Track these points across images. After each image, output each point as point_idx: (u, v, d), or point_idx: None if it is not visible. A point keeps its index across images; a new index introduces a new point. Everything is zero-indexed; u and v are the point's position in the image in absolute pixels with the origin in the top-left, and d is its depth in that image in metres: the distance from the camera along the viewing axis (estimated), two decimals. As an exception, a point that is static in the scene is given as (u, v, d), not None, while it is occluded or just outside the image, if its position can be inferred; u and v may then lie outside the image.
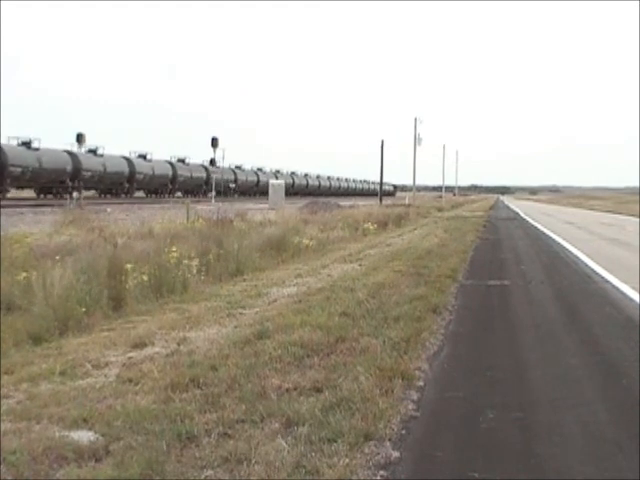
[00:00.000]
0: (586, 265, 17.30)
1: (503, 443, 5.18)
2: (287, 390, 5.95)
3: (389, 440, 5.07)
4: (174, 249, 12.47)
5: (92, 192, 60.44)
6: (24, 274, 9.62)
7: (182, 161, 74.46)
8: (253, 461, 4.52)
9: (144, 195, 68.14)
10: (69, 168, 56.04)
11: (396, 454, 4.85)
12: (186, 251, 12.98)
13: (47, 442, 4.70)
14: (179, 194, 71.83)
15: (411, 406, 5.87)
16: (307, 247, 18.59)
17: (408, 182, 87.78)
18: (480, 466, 4.72)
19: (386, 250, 19.25)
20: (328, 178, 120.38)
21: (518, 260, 18.87)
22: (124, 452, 4.60)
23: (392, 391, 6.04)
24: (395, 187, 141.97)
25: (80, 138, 61.15)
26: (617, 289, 13.01)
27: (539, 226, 37.29)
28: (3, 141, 51.98)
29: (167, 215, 22.91)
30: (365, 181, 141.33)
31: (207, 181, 75.04)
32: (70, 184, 55.26)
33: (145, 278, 10.82)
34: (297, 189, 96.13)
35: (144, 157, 67.98)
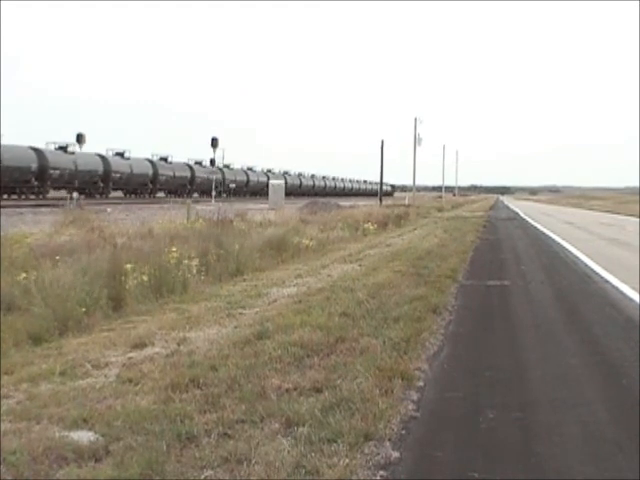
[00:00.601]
0: (586, 265, 17.31)
1: (503, 443, 5.19)
2: (287, 390, 5.95)
3: (389, 440, 5.07)
4: (174, 249, 12.47)
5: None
6: (24, 274, 9.62)
7: (164, 159, 71.35)
8: (253, 461, 4.52)
9: (122, 195, 64.70)
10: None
11: (396, 454, 4.85)
12: (186, 251, 12.98)
13: (47, 442, 4.70)
14: (161, 194, 69.05)
15: (411, 406, 5.87)
16: (307, 247, 18.59)
17: (408, 182, 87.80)
18: (480, 466, 4.72)
19: (386, 250, 19.25)
20: (328, 178, 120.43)
21: (518, 260, 18.87)
22: (124, 452, 4.60)
23: (392, 391, 6.04)
24: (393, 187, 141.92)
25: (80, 138, 61.10)
26: (617, 289, 13.01)
27: (539, 226, 37.30)
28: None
29: (167, 215, 22.92)
30: (365, 181, 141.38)
31: (192, 181, 74.04)
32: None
33: (145, 278, 10.82)
34: (297, 189, 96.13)
35: (122, 155, 65.13)
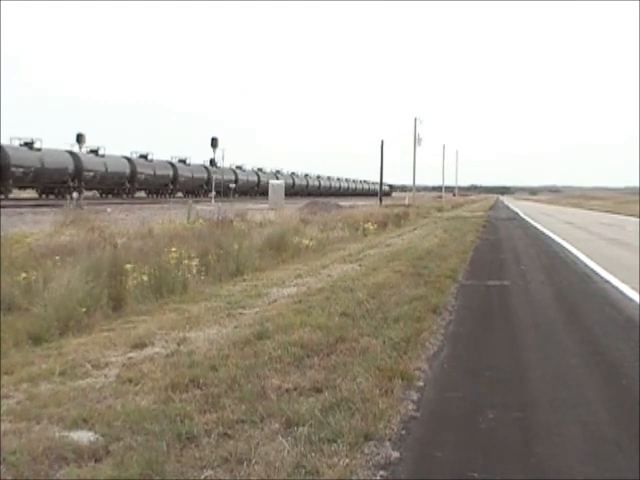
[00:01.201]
0: (586, 265, 17.31)
1: (503, 443, 5.19)
2: (287, 390, 5.95)
3: (389, 440, 5.07)
4: (174, 249, 12.47)
5: (92, 192, 60.08)
6: (24, 274, 9.62)
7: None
8: (253, 461, 4.52)
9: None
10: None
11: (396, 454, 4.85)
12: (186, 251, 12.98)
13: (47, 442, 4.70)
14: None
15: (411, 406, 5.87)
16: (307, 247, 18.59)
17: (408, 182, 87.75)
18: (480, 466, 4.72)
19: (386, 250, 19.25)
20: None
21: (518, 260, 18.87)
22: (124, 452, 4.60)
23: (392, 391, 6.04)
24: (391, 187, 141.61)
25: (80, 138, 60.95)
26: (617, 289, 13.01)
27: (539, 226, 37.30)
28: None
29: (167, 215, 22.90)
30: (365, 181, 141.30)
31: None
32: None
33: (145, 278, 10.82)
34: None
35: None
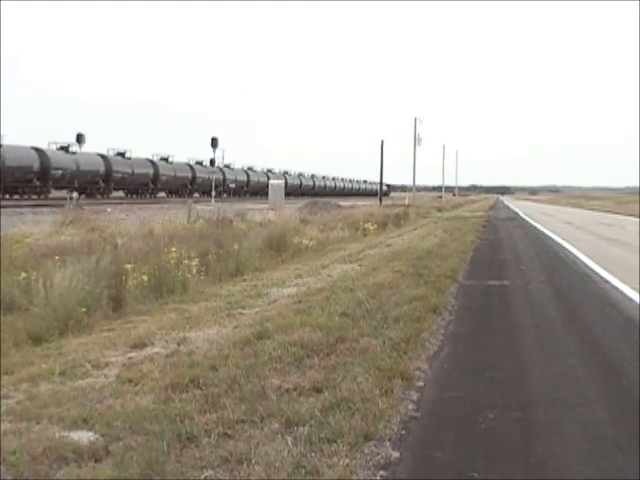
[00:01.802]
0: (586, 265, 17.30)
1: (503, 443, 5.19)
2: (287, 390, 5.95)
3: (389, 440, 5.07)
4: (174, 249, 12.47)
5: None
6: (24, 274, 9.62)
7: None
8: (253, 461, 4.52)
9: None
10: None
11: (396, 454, 4.85)
12: (186, 251, 12.98)
13: (47, 442, 4.70)
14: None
15: (411, 406, 5.87)
16: (307, 247, 18.58)
17: (408, 182, 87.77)
18: (480, 466, 4.72)
19: (386, 250, 19.25)
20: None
21: (518, 260, 18.87)
22: (124, 452, 4.60)
23: (392, 391, 6.04)
24: (389, 186, 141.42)
25: (80, 138, 60.82)
26: (617, 289, 13.01)
27: (539, 226, 37.30)
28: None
29: (167, 215, 22.90)
30: (365, 181, 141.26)
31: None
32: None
33: (145, 278, 10.82)
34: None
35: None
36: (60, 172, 53.29)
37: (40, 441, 4.71)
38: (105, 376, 6.43)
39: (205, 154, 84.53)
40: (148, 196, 64.01)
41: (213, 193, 55.57)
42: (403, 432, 5.29)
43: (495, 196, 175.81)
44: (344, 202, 51.11)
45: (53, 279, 8.98)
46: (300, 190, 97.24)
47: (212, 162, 70.13)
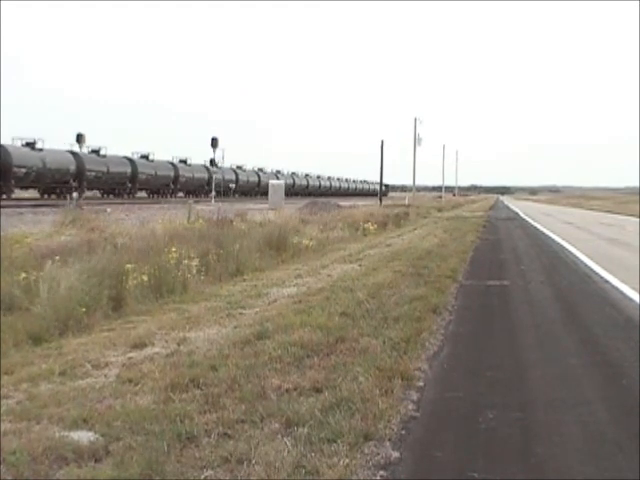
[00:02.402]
0: (585, 265, 17.31)
1: (503, 443, 5.19)
2: (287, 390, 5.95)
3: (389, 440, 5.07)
4: (174, 249, 12.47)
5: (92, 192, 59.73)
6: (24, 274, 9.62)
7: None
8: (253, 461, 4.52)
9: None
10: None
11: (396, 454, 4.85)
12: (186, 251, 12.98)
13: (47, 442, 4.70)
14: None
15: (411, 406, 5.87)
16: (307, 247, 18.59)
17: (408, 182, 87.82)
18: (480, 466, 4.72)
19: (386, 250, 19.25)
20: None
21: (518, 260, 18.87)
22: (124, 452, 4.60)
23: (392, 391, 6.04)
24: (387, 186, 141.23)
25: (80, 138, 60.81)
26: (617, 289, 13.01)
27: (539, 226, 37.30)
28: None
29: (167, 215, 22.90)
30: (365, 181, 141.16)
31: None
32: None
33: (145, 278, 10.82)
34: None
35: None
36: (23, 170, 49.26)
37: (40, 441, 4.71)
38: (105, 376, 6.43)
39: (205, 154, 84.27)
40: (126, 196, 62.14)
41: (213, 193, 55.57)
42: (403, 432, 5.29)
43: (495, 196, 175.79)
44: (344, 202, 51.08)
45: (53, 279, 8.98)
46: (300, 190, 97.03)
47: (212, 162, 70.17)
